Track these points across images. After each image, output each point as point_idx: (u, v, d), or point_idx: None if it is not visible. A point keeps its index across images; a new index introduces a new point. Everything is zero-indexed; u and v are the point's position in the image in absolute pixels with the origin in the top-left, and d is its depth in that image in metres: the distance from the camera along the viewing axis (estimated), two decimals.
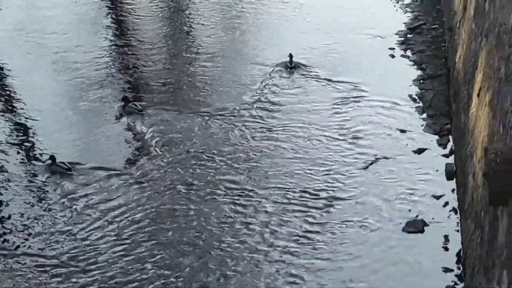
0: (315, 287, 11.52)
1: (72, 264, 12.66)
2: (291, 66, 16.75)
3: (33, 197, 14.29)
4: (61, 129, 15.83)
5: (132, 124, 15.01)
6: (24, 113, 15.73)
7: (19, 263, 13.19)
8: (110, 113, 16.56)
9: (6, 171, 14.89)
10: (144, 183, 14.65)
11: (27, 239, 13.36)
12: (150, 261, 12.77)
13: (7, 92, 16.24)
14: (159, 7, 20.75)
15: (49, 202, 14.14)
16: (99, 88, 16.11)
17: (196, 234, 12.96)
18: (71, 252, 12.90)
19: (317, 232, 12.52)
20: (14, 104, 16.00)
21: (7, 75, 16.62)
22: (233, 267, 11.98)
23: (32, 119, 15.88)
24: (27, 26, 18.71)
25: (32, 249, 13.13)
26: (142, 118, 15.06)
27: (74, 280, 12.73)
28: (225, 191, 13.91)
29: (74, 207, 13.79)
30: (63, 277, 12.80)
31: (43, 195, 14.25)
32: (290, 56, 16.85)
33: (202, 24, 19.78)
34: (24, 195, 14.36)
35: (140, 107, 15.05)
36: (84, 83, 16.13)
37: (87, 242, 13.11)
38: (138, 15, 19.98)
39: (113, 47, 18.15)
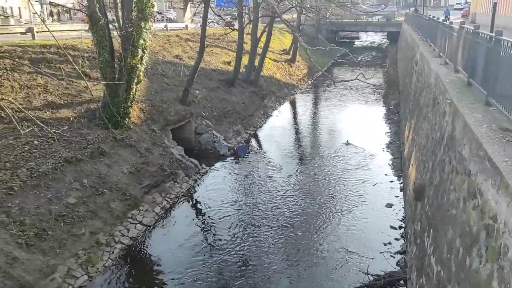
0: (343, 230, 13.23)
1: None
2: (347, 143, 19.83)
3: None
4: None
5: None
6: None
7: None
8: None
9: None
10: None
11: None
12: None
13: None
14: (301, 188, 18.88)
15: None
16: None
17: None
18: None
19: (357, 208, 14.77)
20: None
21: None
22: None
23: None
24: (253, 168, 19.89)
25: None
26: None
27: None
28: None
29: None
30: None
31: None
32: (347, 141, 20.31)
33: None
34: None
35: None
36: (270, 200, 16.68)
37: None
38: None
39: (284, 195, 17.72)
